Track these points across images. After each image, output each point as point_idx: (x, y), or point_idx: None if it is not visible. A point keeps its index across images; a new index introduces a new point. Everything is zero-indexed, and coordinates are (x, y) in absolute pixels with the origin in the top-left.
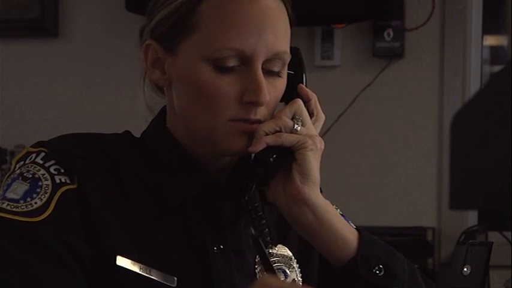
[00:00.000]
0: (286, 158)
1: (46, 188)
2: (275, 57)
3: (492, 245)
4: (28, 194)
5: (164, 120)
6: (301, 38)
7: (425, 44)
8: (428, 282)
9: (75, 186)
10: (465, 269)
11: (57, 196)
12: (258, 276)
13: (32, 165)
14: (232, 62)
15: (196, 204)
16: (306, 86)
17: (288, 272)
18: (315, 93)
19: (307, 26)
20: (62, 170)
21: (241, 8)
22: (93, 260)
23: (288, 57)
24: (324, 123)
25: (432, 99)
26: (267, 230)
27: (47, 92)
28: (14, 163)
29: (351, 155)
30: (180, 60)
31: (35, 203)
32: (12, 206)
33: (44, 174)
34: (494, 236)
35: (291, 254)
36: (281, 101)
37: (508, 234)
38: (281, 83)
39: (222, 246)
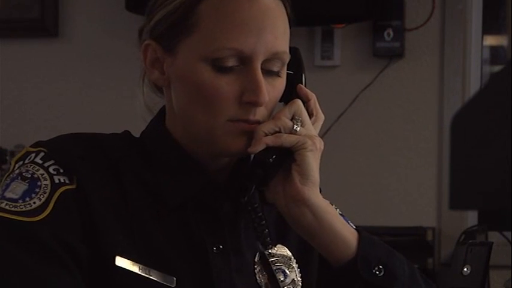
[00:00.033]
0: (286, 158)
1: (45, 188)
2: (274, 57)
3: (492, 245)
4: (27, 194)
5: (163, 120)
6: (301, 38)
7: (425, 44)
8: (428, 283)
9: (74, 186)
10: (465, 269)
11: (56, 196)
12: (257, 276)
13: (31, 165)
14: (231, 62)
15: (196, 204)
16: (305, 86)
17: (287, 272)
18: (315, 93)
19: (307, 26)
20: (61, 170)
21: (240, 7)
22: (92, 260)
23: (287, 57)
24: (324, 123)
25: (432, 99)
26: (266, 230)
27: (47, 92)
28: (13, 163)
29: (351, 155)
30: (179, 60)
31: (34, 202)
32: (11, 206)
33: (43, 174)
34: (494, 236)
35: (290, 254)
36: (280, 101)
37: (508, 234)
38: (280, 83)
39: (221, 246)
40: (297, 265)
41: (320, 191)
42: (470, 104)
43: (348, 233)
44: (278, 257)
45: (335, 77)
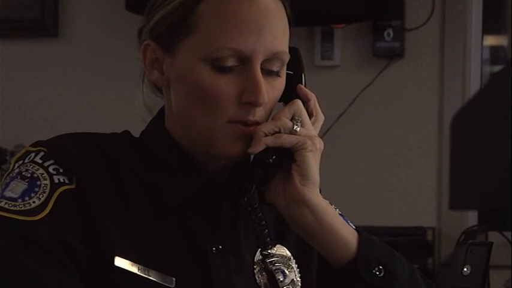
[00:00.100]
0: (286, 159)
1: (44, 188)
2: (274, 57)
3: (492, 245)
4: (26, 193)
5: (163, 120)
6: (301, 38)
7: (425, 44)
8: (428, 283)
9: (73, 186)
10: (465, 269)
11: (56, 196)
12: (256, 276)
13: (30, 165)
14: (230, 62)
15: (196, 204)
16: (305, 86)
17: (286, 272)
18: (315, 93)
19: (307, 26)
20: (61, 170)
21: (240, 7)
22: (90, 260)
23: (286, 57)
24: (323, 123)
25: (432, 99)
26: (266, 231)
27: (47, 92)
28: (13, 162)
29: (351, 155)
30: (178, 60)
31: (33, 202)
32: (10, 205)
33: (43, 173)
34: (494, 236)
35: (289, 254)
36: (280, 101)
37: (508, 234)
38: (280, 83)
39: (220, 247)
40: (296, 265)
41: (320, 192)
42: (470, 104)
43: (348, 234)
44: (277, 257)
45: (335, 77)
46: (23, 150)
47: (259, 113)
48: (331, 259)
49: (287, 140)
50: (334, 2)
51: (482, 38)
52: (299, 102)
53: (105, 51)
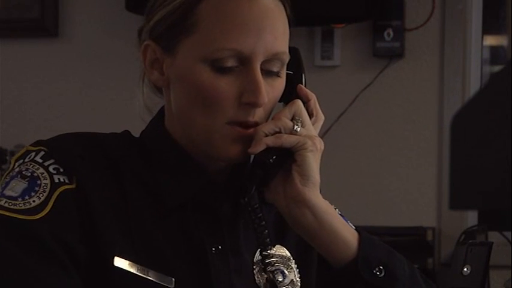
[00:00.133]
0: (286, 159)
1: (44, 187)
2: (274, 57)
3: (492, 245)
4: (26, 192)
5: (163, 120)
6: (301, 38)
7: (425, 44)
8: (428, 283)
9: (73, 186)
10: (465, 269)
11: (56, 195)
12: (256, 276)
13: (31, 164)
14: (230, 63)
15: (195, 205)
16: (305, 86)
17: (286, 272)
18: (315, 93)
19: (307, 26)
20: (61, 170)
21: (240, 8)
22: (90, 260)
23: (286, 58)
24: (324, 123)
25: (432, 99)
26: (266, 231)
27: (47, 92)
28: (13, 161)
29: (351, 155)
30: (178, 60)
31: (33, 201)
32: (10, 204)
33: (43, 173)
34: (494, 236)
35: (289, 254)
36: (280, 101)
37: (508, 234)
38: (280, 84)
39: (220, 247)
40: (295, 265)
41: (319, 192)
42: (470, 104)
43: (348, 234)
44: (277, 258)
45: (335, 77)
46: (23, 150)
47: (259, 114)
48: (331, 259)
49: (287, 140)
50: (334, 2)
51: (482, 38)
52: (299, 102)
53: (105, 51)
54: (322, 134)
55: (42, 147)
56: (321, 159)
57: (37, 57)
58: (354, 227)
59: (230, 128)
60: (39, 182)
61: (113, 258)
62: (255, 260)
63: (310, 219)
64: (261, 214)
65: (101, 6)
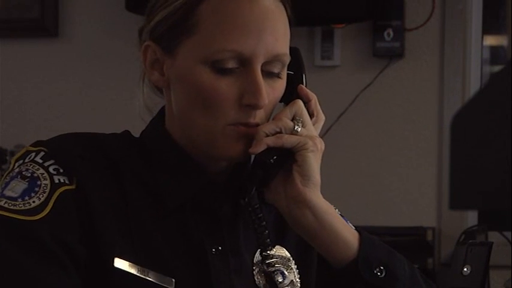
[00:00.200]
0: (287, 159)
1: (44, 188)
2: (275, 59)
3: (492, 245)
4: (26, 193)
5: (163, 120)
6: (301, 38)
7: (425, 44)
8: (428, 283)
9: (73, 186)
10: (465, 269)
11: (56, 196)
12: (255, 277)
13: (31, 164)
14: (231, 64)
15: (195, 205)
16: (305, 86)
17: (286, 273)
18: (315, 93)
19: (307, 26)
20: (61, 170)
21: (240, 9)
22: (90, 261)
23: (287, 59)
24: (324, 124)
25: (432, 99)
26: (266, 231)
27: (47, 92)
28: (13, 162)
29: (351, 155)
30: (178, 61)
31: (33, 201)
32: (10, 204)
33: (43, 173)
34: (494, 236)
35: (289, 255)
36: (281, 101)
37: (508, 234)
38: (280, 85)
39: (220, 248)
40: (295, 266)
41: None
42: (470, 104)
43: (348, 234)
44: (277, 258)
45: (335, 77)
46: (23, 150)
47: (259, 115)
48: (331, 259)
49: (288, 140)
50: (334, 2)
51: (482, 38)
52: (300, 102)
53: (105, 51)
54: (322, 134)
55: (42, 148)
56: (321, 159)
57: (37, 57)
58: (353, 227)
59: (232, 128)
60: (39, 182)
61: (113, 259)
62: (254, 261)
63: (311, 219)
64: (261, 214)
65: (101, 6)
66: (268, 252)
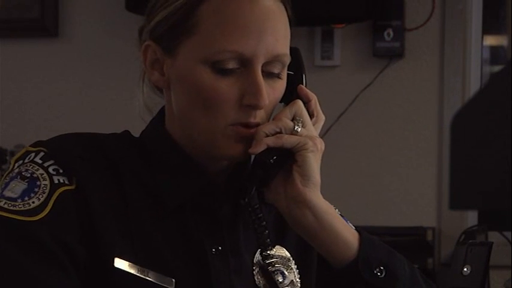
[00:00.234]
0: (287, 159)
1: (44, 188)
2: (275, 59)
3: (492, 245)
4: (26, 193)
5: (163, 120)
6: (301, 38)
7: (425, 44)
8: (428, 283)
9: (73, 187)
10: (465, 269)
11: (55, 196)
12: (255, 277)
13: (30, 165)
14: (231, 65)
15: (195, 206)
16: (305, 86)
17: (286, 273)
18: (315, 94)
19: (307, 26)
20: (61, 171)
21: (241, 9)
22: (90, 261)
23: (287, 59)
24: (324, 124)
25: (432, 99)
26: (266, 232)
27: (47, 92)
28: (13, 162)
29: (351, 155)
30: (179, 62)
31: (33, 202)
32: (10, 205)
33: (43, 174)
34: (494, 236)
35: (289, 255)
36: (281, 101)
37: (508, 234)
38: (280, 85)
39: (220, 248)
40: (295, 266)
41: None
42: (470, 104)
43: (348, 234)
44: (277, 258)
45: (335, 77)
46: (23, 150)
47: (260, 115)
48: (331, 260)
49: (288, 140)
50: (334, 2)
51: (482, 38)
52: (300, 102)
53: (105, 51)
54: (322, 134)
55: (42, 148)
56: (321, 159)
57: (37, 57)
58: (353, 227)
59: (233, 128)
60: (38, 183)
61: (113, 259)
62: (254, 261)
63: (311, 219)
64: (261, 214)
65: (101, 6)
66: (268, 252)
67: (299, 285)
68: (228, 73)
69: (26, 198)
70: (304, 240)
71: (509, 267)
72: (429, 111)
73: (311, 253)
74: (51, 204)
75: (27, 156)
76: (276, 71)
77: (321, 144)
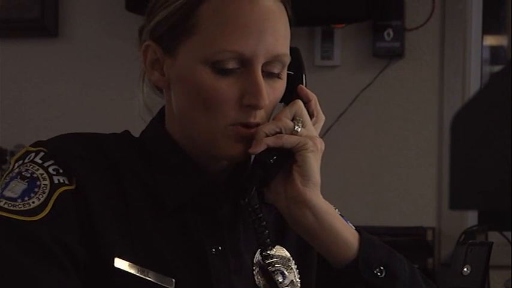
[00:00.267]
0: (287, 159)
1: (44, 188)
2: (275, 59)
3: (492, 245)
4: (26, 193)
5: (163, 120)
6: (301, 38)
7: (425, 44)
8: (428, 283)
9: (73, 187)
10: (465, 269)
11: (55, 196)
12: (255, 277)
13: (30, 165)
14: (231, 65)
15: (195, 206)
16: (305, 86)
17: (286, 273)
18: (315, 93)
19: (307, 26)
20: (61, 171)
21: (241, 9)
22: (90, 261)
23: (287, 59)
24: (324, 124)
25: (432, 99)
26: (266, 232)
27: (47, 92)
28: (13, 162)
29: (351, 155)
30: (179, 62)
31: (33, 202)
32: (10, 205)
33: (43, 174)
34: (494, 236)
35: (289, 255)
36: (281, 101)
37: (508, 234)
38: (280, 85)
39: (220, 248)
40: (295, 266)
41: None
42: (470, 104)
43: (348, 234)
44: (277, 258)
45: (335, 77)
46: (23, 150)
47: (260, 115)
48: (331, 260)
49: (288, 140)
50: (334, 2)
51: (482, 38)
52: (300, 102)
53: (105, 51)
54: (322, 134)
55: (42, 148)
56: (321, 160)
57: (37, 57)
58: (353, 227)
59: (233, 128)
60: (38, 183)
61: (113, 259)
62: (254, 261)
63: (311, 219)
64: (261, 214)
65: (101, 6)
66: (268, 252)
67: (299, 285)
68: (228, 73)
69: (26, 198)
70: (304, 240)
71: (509, 267)
72: (429, 111)
73: (311, 253)
74: (51, 204)
75: (27, 156)
76: (276, 71)
77: (321, 144)
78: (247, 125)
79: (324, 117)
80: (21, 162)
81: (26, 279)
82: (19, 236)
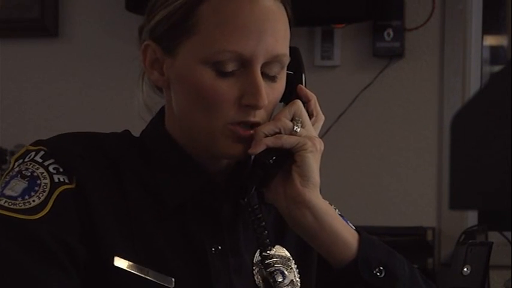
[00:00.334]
0: (286, 159)
1: (44, 187)
2: (274, 59)
3: (492, 245)
4: (26, 192)
5: (163, 120)
6: (301, 38)
7: (425, 44)
8: (428, 283)
9: (73, 186)
10: (465, 269)
11: (55, 195)
12: (255, 277)
13: (30, 164)
14: (231, 65)
15: (195, 205)
16: (305, 86)
17: (286, 273)
18: (315, 94)
19: (307, 26)
20: (61, 169)
21: (241, 10)
22: (90, 260)
23: (287, 60)
24: (323, 124)
25: (432, 99)
26: (266, 232)
27: (47, 92)
28: (13, 161)
29: (351, 155)
30: (178, 62)
31: (33, 201)
32: (10, 203)
33: (43, 172)
34: (494, 236)
35: (289, 254)
36: (280, 101)
37: (508, 234)
38: (280, 85)
39: (220, 247)
40: (295, 266)
41: (320, 192)
42: (470, 104)
43: (348, 234)
44: (277, 258)
45: (335, 77)
46: (23, 149)
47: (260, 115)
48: (331, 260)
49: (287, 140)
50: (334, 2)
51: (482, 38)
52: (299, 102)
53: (105, 51)
54: (322, 134)
55: (42, 147)
56: (321, 160)
57: (37, 57)
58: (353, 228)
59: (232, 127)
60: (39, 181)
61: (113, 258)
62: (254, 261)
63: (310, 220)
64: (260, 215)
65: (101, 6)
66: (268, 252)
67: (299, 285)
68: (228, 73)
69: (26, 197)
70: (304, 240)
71: (509, 267)
72: (429, 111)
73: (311, 253)
74: (52, 203)
75: (27, 155)
76: (275, 71)
77: (320, 145)
78: (247, 124)
79: (323, 117)
80: (21, 161)
81: (25, 278)
82: (19, 234)
